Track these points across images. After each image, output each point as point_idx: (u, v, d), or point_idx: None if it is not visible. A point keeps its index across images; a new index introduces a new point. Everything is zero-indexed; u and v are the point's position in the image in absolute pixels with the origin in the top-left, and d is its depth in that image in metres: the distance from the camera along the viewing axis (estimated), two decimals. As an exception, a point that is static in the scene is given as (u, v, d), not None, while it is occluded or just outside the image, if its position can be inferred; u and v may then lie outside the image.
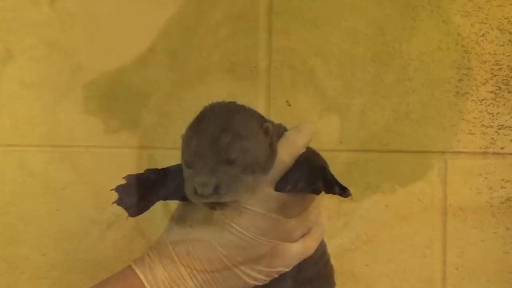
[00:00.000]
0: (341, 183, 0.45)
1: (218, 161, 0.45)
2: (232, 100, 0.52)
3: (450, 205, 0.81)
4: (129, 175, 0.52)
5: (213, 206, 0.47)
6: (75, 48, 0.82)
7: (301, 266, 0.52)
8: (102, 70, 0.82)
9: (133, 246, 0.82)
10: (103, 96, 0.84)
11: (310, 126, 0.53)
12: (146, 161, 0.82)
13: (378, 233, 0.82)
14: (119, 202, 0.51)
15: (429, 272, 0.81)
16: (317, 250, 0.53)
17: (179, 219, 0.52)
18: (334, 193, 0.44)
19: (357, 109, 0.83)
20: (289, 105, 0.83)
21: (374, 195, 0.83)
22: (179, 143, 0.51)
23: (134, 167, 0.82)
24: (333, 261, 0.61)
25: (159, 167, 0.53)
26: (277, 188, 0.49)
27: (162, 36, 0.83)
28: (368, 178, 0.82)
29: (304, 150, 0.51)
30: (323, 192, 0.46)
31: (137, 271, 0.49)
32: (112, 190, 0.51)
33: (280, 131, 0.53)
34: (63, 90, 0.83)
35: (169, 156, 0.81)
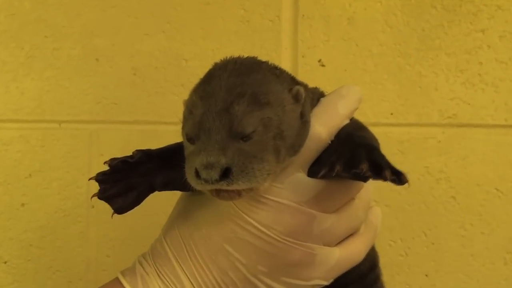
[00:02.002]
0: (394, 166, 0.35)
1: (229, 135, 0.36)
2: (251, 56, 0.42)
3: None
4: (112, 159, 0.43)
5: (222, 195, 0.37)
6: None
7: (345, 279, 0.43)
8: (75, 35, 0.70)
9: (121, 251, 0.70)
10: (80, 59, 0.69)
11: (356, 90, 0.44)
12: (136, 139, 0.66)
13: (442, 233, 0.68)
14: (101, 194, 0.43)
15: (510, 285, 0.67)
16: (365, 259, 0.44)
17: (181, 216, 0.44)
18: (384, 180, 0.35)
19: (413, 70, 0.69)
20: (323, 66, 0.70)
21: (437, 183, 0.68)
22: (180, 115, 0.41)
23: (121, 147, 0.69)
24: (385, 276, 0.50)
25: (153, 148, 0.44)
26: (311, 173, 0.41)
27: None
28: (427, 160, 0.68)
29: (347, 122, 0.43)
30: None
31: (126, 284, 0.42)
32: (91, 179, 0.42)
33: (315, 97, 0.44)
34: (28, 54, 0.70)
35: (167, 132, 0.70)
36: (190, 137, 0.38)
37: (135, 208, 0.44)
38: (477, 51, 0.67)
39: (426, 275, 0.68)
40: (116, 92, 0.68)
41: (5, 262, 0.69)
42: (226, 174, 0.35)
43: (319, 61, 0.69)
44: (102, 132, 0.68)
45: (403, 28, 0.68)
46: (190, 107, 0.39)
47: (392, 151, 0.67)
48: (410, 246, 0.68)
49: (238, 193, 0.37)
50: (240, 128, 0.36)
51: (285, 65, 0.68)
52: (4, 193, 0.69)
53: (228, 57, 0.41)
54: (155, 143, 0.68)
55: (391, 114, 0.68)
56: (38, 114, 0.69)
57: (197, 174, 0.36)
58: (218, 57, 0.42)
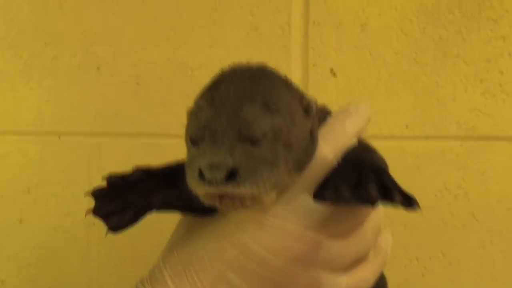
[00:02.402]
0: (404, 189, 0.34)
1: (238, 137, 0.34)
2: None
3: None
4: (110, 175, 0.41)
5: (225, 202, 0.35)
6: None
7: None
8: (76, 42, 0.67)
9: (124, 271, 0.67)
10: (80, 67, 0.67)
11: (365, 107, 0.42)
12: (139, 153, 0.62)
13: (460, 252, 0.65)
14: (96, 211, 0.41)
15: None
16: (374, 286, 0.43)
17: (180, 241, 0.42)
18: (394, 204, 0.33)
19: (429, 80, 0.65)
20: (334, 75, 0.66)
21: (455, 199, 0.65)
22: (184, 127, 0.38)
23: (123, 161, 0.66)
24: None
25: (156, 163, 0.42)
26: (317, 196, 0.38)
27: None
28: (445, 175, 0.65)
29: (355, 141, 0.41)
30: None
31: None
32: (87, 194, 0.41)
33: (323, 115, 0.42)
34: (26, 63, 0.67)
35: (171, 146, 0.67)
36: (194, 139, 0.36)
37: (137, 225, 0.42)
38: (498, 60, 0.64)
39: (444, 296, 0.65)
40: (118, 103, 0.66)
41: (2, 282, 0.66)
42: (232, 176, 0.33)
43: (331, 70, 0.65)
44: (104, 145, 0.65)
45: (419, 36, 0.65)
46: (195, 111, 0.37)
47: (407, 165, 0.64)
48: (426, 266, 0.65)
49: (243, 202, 0.35)
50: (250, 131, 0.35)
51: (295, 74, 0.65)
52: (1, 209, 0.66)
53: (235, 64, 0.40)
54: (159, 157, 0.66)
55: (407, 126, 0.65)
56: (37, 125, 0.66)
57: (201, 176, 0.33)
58: (225, 65, 0.40)
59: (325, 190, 0.38)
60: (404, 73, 0.65)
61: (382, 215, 0.42)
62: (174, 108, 0.65)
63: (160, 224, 0.57)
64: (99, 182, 0.44)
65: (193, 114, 0.37)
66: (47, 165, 0.66)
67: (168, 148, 0.64)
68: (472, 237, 0.64)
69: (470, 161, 0.64)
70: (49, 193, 0.66)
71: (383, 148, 0.64)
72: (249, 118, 0.35)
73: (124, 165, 0.67)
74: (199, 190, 0.35)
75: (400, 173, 0.63)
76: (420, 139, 0.64)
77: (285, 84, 0.40)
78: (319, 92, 0.65)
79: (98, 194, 0.41)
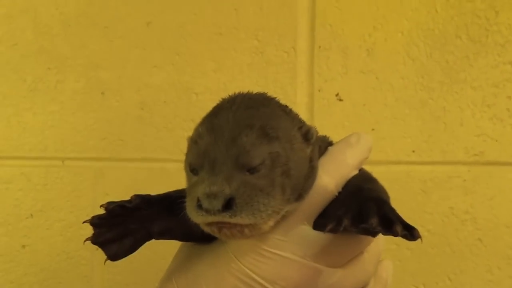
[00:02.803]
0: (405, 221, 0.34)
1: (235, 166, 0.35)
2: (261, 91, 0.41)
3: None
4: (110, 203, 0.41)
5: (223, 231, 0.35)
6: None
7: None
8: (80, 67, 0.67)
9: None
10: (84, 92, 0.66)
11: (367, 138, 0.42)
12: (143, 178, 0.62)
13: (468, 277, 0.64)
14: (95, 239, 0.41)
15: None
16: None
17: (179, 268, 0.41)
18: (395, 235, 0.33)
19: (436, 105, 0.65)
20: (340, 100, 0.66)
21: (462, 225, 0.64)
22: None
23: (127, 186, 0.66)
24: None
25: (152, 193, 0.42)
26: (317, 226, 0.39)
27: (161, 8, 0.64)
28: (452, 200, 0.64)
29: (356, 172, 0.41)
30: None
31: None
32: (85, 222, 0.41)
33: (324, 145, 0.42)
34: (30, 87, 0.66)
35: (176, 170, 0.65)
36: (193, 168, 0.37)
37: (140, 251, 0.41)
38: (505, 84, 0.63)
39: (451, 323, 0.64)
40: (122, 127, 0.65)
41: (5, 308, 0.65)
42: (229, 205, 0.33)
43: (337, 95, 0.65)
44: (108, 170, 0.65)
45: (426, 60, 0.64)
46: (195, 138, 0.38)
47: (414, 190, 0.64)
48: (433, 292, 0.64)
49: (241, 231, 0.35)
50: (247, 159, 0.35)
51: (301, 99, 0.65)
52: (4, 234, 0.65)
53: (236, 92, 0.41)
54: (163, 182, 0.65)
55: (413, 151, 0.64)
56: (40, 150, 0.65)
57: (199, 205, 0.34)
58: (230, 90, 0.40)
59: (326, 220, 0.37)
60: (411, 98, 0.64)
61: (382, 244, 0.42)
62: (179, 133, 0.65)
63: (163, 250, 0.57)
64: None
65: (193, 142, 0.38)
66: (50, 190, 0.65)
67: (172, 173, 0.64)
68: (480, 263, 0.63)
69: (478, 186, 0.63)
70: (53, 218, 0.65)
71: (389, 173, 0.63)
72: (246, 146, 0.35)
73: (128, 190, 0.66)
74: (198, 219, 0.35)
75: (407, 198, 0.63)
76: (427, 164, 0.64)
77: (284, 111, 0.40)
78: (324, 117, 0.64)
79: (97, 222, 0.41)
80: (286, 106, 0.41)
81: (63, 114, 0.65)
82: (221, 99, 0.40)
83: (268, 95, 0.41)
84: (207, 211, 0.34)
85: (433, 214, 0.64)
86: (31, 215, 0.65)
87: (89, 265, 0.65)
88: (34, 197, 0.65)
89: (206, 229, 0.36)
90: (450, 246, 0.64)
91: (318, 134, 0.42)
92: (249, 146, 0.35)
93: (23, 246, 0.65)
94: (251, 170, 0.35)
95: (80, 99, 0.65)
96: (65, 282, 0.65)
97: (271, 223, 0.36)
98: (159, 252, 0.59)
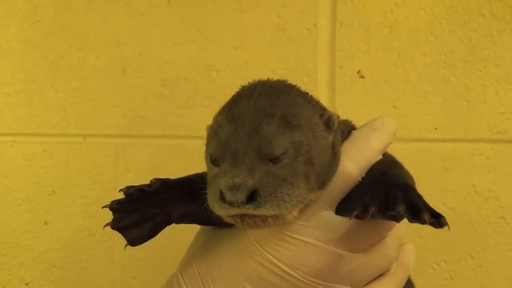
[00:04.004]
0: (432, 208, 0.33)
1: (258, 157, 0.35)
2: (281, 78, 0.40)
3: None
4: (129, 187, 0.40)
5: (246, 221, 0.35)
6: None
7: None
8: (101, 44, 0.66)
9: (148, 273, 0.67)
10: (106, 69, 0.66)
11: (391, 122, 0.41)
12: (164, 155, 0.62)
13: (490, 255, 0.64)
14: (114, 224, 0.40)
15: None
16: None
17: (199, 252, 0.42)
18: (423, 223, 0.33)
19: (459, 83, 0.64)
20: (362, 77, 0.66)
21: (485, 203, 0.64)
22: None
23: (148, 163, 0.65)
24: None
25: (173, 178, 0.41)
26: (340, 211, 0.39)
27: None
28: (475, 178, 0.64)
29: (380, 157, 0.40)
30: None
31: None
32: (105, 207, 0.40)
33: (346, 129, 0.42)
34: (52, 64, 0.67)
35: (196, 147, 0.62)
36: (214, 159, 0.36)
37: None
38: (529, 62, 0.63)
39: (473, 301, 0.64)
40: (143, 104, 0.65)
41: (27, 284, 0.66)
42: (253, 197, 0.33)
43: (358, 72, 0.64)
44: (129, 147, 0.65)
45: (449, 38, 0.64)
46: (215, 128, 0.37)
47: (436, 168, 0.63)
48: (455, 270, 0.64)
49: (265, 221, 0.35)
50: (269, 149, 0.35)
51: (322, 76, 0.64)
52: (26, 211, 0.65)
53: (256, 80, 0.40)
54: (184, 158, 0.65)
55: (435, 129, 0.64)
56: (62, 127, 0.65)
57: (222, 197, 0.34)
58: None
59: (350, 205, 0.37)
60: (433, 76, 0.64)
61: (404, 229, 0.41)
62: (200, 110, 0.65)
63: (184, 226, 0.57)
64: (124, 184, 0.44)
65: (213, 132, 0.37)
66: (72, 167, 0.65)
67: (193, 149, 0.64)
68: (502, 241, 0.63)
69: (501, 164, 0.63)
70: (74, 194, 0.65)
71: (411, 150, 0.63)
72: (268, 135, 0.35)
73: (149, 166, 0.67)
74: (220, 211, 0.35)
75: (429, 176, 0.63)
76: (450, 142, 0.63)
77: (305, 98, 0.40)
78: (346, 94, 0.64)
79: (116, 207, 0.40)
80: (307, 93, 0.41)
81: (84, 91, 0.65)
82: (240, 87, 0.39)
83: (288, 82, 0.41)
84: (230, 204, 0.33)
85: (455, 192, 0.63)
86: (53, 191, 0.65)
87: (110, 241, 0.65)
88: (56, 174, 0.65)
89: (229, 220, 0.36)
90: (472, 224, 0.63)
91: (340, 119, 0.42)
92: (271, 136, 0.35)
93: (46, 223, 0.65)
94: (274, 160, 0.35)
95: (101, 76, 0.65)
96: (86, 259, 0.65)
97: (295, 213, 0.36)
98: (180, 228, 0.59)
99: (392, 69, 0.64)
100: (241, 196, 0.33)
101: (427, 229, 0.64)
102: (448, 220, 0.64)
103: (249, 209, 0.34)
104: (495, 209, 0.63)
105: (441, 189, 0.63)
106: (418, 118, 0.64)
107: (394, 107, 0.64)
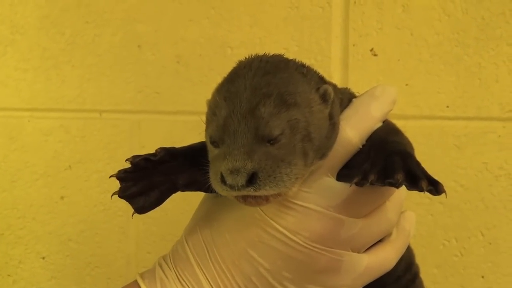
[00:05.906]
0: (430, 175, 0.34)
1: (255, 138, 0.35)
2: (279, 53, 0.41)
3: None
4: (135, 156, 0.41)
5: (249, 201, 0.36)
6: None
7: (380, 282, 0.42)
8: (117, 21, 0.67)
9: (162, 247, 0.67)
10: (121, 45, 0.67)
11: (391, 90, 0.42)
12: (179, 130, 0.64)
13: (500, 233, 0.65)
14: (121, 193, 0.41)
15: None
16: (399, 263, 0.43)
17: (204, 219, 0.43)
18: (420, 190, 0.34)
19: (471, 61, 0.64)
20: (375, 55, 0.66)
21: (496, 180, 0.64)
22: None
23: (163, 139, 0.66)
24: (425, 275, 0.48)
25: (178, 146, 0.43)
26: (340, 177, 0.40)
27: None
28: (486, 156, 0.64)
29: (380, 125, 0.41)
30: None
31: None
32: (112, 176, 0.41)
33: (346, 97, 0.43)
34: (68, 41, 0.68)
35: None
36: (214, 140, 0.37)
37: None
38: (541, 41, 0.63)
39: (483, 277, 0.64)
40: (158, 81, 0.66)
41: (43, 258, 0.67)
42: (253, 179, 0.34)
43: (371, 50, 0.65)
44: (144, 123, 0.66)
45: (462, 16, 0.64)
46: (213, 108, 0.38)
47: (447, 145, 0.64)
48: (465, 246, 0.64)
49: (266, 199, 0.36)
50: (266, 131, 0.35)
51: (336, 54, 0.65)
52: (43, 186, 0.67)
53: (253, 55, 0.40)
54: (198, 135, 0.66)
55: (447, 107, 0.64)
56: (78, 103, 0.66)
57: (223, 180, 0.35)
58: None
59: (350, 172, 0.38)
60: (446, 54, 0.64)
61: (404, 195, 0.42)
62: (214, 86, 0.65)
63: (198, 202, 0.58)
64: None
65: (212, 111, 0.38)
66: (88, 142, 0.66)
67: (207, 126, 0.65)
68: (513, 219, 0.64)
69: (512, 142, 0.64)
70: (90, 169, 0.66)
71: (423, 128, 0.64)
72: (265, 116, 0.35)
73: (164, 142, 0.67)
74: (223, 193, 0.36)
75: (440, 153, 0.64)
76: (461, 120, 0.64)
77: (301, 73, 0.40)
78: (359, 72, 0.64)
79: (123, 176, 0.41)
80: (303, 66, 0.41)
81: (100, 67, 0.66)
82: (237, 62, 0.40)
83: (284, 57, 0.41)
84: (231, 187, 0.34)
85: (467, 169, 0.64)
86: (70, 166, 0.66)
87: (125, 216, 0.66)
88: (72, 149, 0.66)
89: (232, 198, 0.37)
90: (483, 201, 0.64)
91: (338, 87, 0.42)
92: (268, 117, 0.35)
93: (62, 198, 0.66)
94: (272, 141, 0.36)
95: (117, 52, 0.66)
96: (101, 233, 0.66)
97: (295, 188, 0.36)
98: (193, 203, 0.60)
99: (405, 47, 0.65)
100: (241, 180, 0.34)
101: (438, 206, 0.65)
102: (459, 197, 0.65)
103: (250, 191, 0.35)
104: (506, 187, 0.64)
105: (452, 167, 0.64)
106: (430, 96, 0.64)
107: (407, 85, 0.64)
